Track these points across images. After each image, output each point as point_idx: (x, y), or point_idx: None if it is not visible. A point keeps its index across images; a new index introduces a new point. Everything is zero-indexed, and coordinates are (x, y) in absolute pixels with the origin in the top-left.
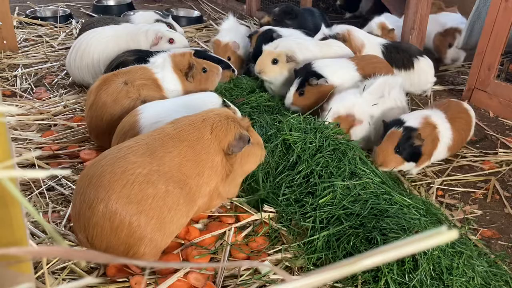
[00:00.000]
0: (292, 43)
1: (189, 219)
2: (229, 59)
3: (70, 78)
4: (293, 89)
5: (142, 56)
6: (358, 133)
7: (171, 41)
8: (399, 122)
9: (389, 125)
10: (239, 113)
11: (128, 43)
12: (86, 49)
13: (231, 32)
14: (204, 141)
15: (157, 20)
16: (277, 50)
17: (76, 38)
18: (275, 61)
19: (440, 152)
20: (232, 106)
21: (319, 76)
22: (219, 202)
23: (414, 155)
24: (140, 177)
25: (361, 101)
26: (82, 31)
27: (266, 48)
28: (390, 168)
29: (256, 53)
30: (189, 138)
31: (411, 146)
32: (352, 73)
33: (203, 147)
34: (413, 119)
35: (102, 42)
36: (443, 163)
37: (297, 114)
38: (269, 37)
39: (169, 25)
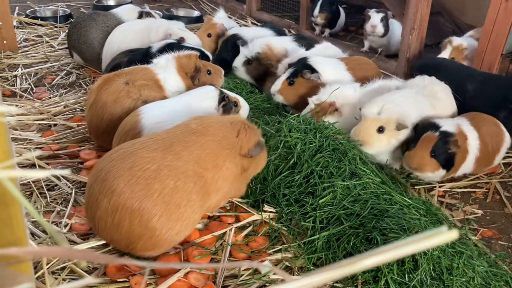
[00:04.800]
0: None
1: (201, 216)
2: (209, 35)
3: (70, 78)
4: (283, 76)
5: (133, 57)
6: (341, 121)
7: (181, 39)
8: (434, 126)
9: (423, 129)
10: (242, 101)
11: (143, 36)
12: (109, 40)
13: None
14: (229, 139)
15: (140, 12)
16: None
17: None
18: (381, 130)
19: (468, 166)
20: (232, 95)
21: (313, 70)
22: (225, 200)
23: (448, 162)
24: (147, 172)
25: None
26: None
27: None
28: (425, 174)
29: (219, 59)
30: (216, 133)
31: (447, 152)
32: (342, 72)
33: (228, 143)
34: (449, 125)
35: (122, 35)
36: None
37: (297, 114)
38: (232, 44)
39: (148, 14)
